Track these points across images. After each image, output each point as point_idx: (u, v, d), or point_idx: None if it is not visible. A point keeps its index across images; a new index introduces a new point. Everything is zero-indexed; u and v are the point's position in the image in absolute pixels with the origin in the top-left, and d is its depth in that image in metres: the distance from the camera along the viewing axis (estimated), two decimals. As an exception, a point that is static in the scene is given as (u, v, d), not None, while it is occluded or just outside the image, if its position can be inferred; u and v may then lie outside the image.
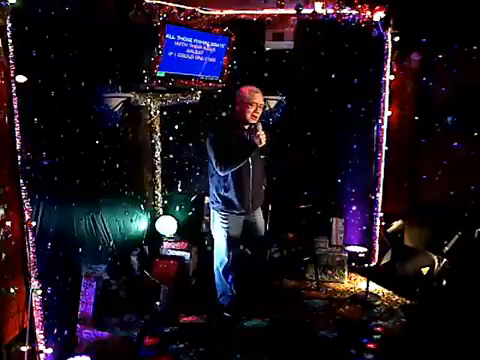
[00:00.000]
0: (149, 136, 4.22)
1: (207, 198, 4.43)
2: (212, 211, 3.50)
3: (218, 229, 3.44)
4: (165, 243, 4.11)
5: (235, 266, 3.49)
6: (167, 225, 4.17)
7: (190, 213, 4.52)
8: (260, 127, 3.15)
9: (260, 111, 3.26)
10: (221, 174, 3.24)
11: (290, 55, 4.28)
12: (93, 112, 3.43)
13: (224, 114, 4.24)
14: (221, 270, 3.50)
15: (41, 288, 2.61)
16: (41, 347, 2.64)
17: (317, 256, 4.21)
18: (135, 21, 3.53)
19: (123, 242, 3.87)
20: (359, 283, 4.25)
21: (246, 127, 3.29)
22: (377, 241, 4.38)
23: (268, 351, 3.09)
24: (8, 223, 2.45)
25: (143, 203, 4.20)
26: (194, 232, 4.38)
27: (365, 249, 4.42)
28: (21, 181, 2.51)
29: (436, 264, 3.90)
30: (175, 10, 3.70)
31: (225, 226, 3.39)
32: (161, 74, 3.73)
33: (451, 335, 3.16)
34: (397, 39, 4.08)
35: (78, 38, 3.03)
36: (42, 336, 2.64)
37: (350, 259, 4.36)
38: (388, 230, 4.39)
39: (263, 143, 3.14)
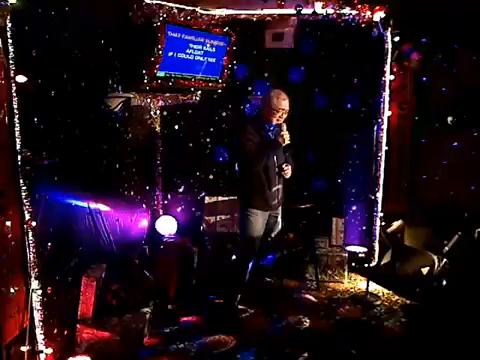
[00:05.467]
0: (149, 136, 4.22)
1: (207, 198, 4.46)
2: (241, 209, 3.52)
3: (246, 226, 3.43)
4: (165, 243, 4.11)
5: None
6: (167, 225, 4.18)
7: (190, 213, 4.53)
8: (285, 127, 3.31)
9: (285, 116, 3.36)
10: (248, 171, 3.33)
11: (290, 55, 4.28)
12: (93, 112, 3.43)
13: (224, 114, 4.25)
14: (241, 264, 3.53)
15: (41, 288, 2.61)
16: (41, 347, 2.63)
17: (317, 256, 4.21)
18: (135, 21, 3.53)
19: (123, 242, 3.87)
20: (359, 283, 4.25)
21: (271, 128, 3.38)
22: (377, 241, 4.38)
23: (268, 351, 3.09)
24: (8, 223, 2.45)
25: (143, 203, 4.20)
26: (194, 232, 4.38)
27: (365, 249, 4.42)
28: (21, 181, 2.51)
29: (436, 264, 3.90)
30: (175, 10, 3.70)
31: (253, 223, 3.40)
32: (161, 74, 3.74)
33: (451, 335, 3.16)
34: (397, 39, 4.08)
35: (78, 38, 3.04)
36: (42, 336, 2.63)
37: (350, 259, 4.36)
38: (388, 230, 4.39)
39: (287, 142, 3.29)
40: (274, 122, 3.33)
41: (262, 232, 3.45)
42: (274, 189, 3.40)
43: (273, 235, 3.58)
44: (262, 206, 3.40)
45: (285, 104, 3.32)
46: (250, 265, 3.55)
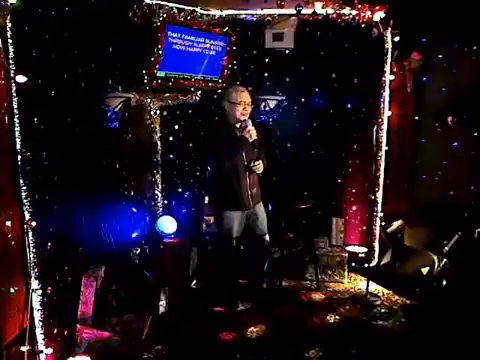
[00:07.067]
0: (149, 136, 4.22)
1: (207, 198, 4.46)
2: (214, 211, 3.56)
3: (221, 228, 3.48)
4: (165, 243, 4.11)
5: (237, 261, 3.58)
6: (167, 225, 4.17)
7: (190, 213, 4.53)
8: (250, 123, 3.31)
9: (249, 109, 3.38)
10: (218, 171, 3.37)
11: (290, 55, 4.28)
12: (93, 112, 3.43)
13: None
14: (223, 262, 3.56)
15: (41, 288, 2.61)
16: (41, 347, 2.64)
17: (317, 256, 4.21)
18: (135, 21, 3.53)
19: (123, 242, 3.87)
20: (359, 283, 4.25)
21: (238, 125, 3.40)
22: (377, 241, 4.38)
23: (268, 351, 3.10)
24: (8, 223, 2.45)
25: (143, 203, 4.20)
26: (194, 232, 4.38)
27: (365, 249, 4.42)
28: (21, 181, 2.51)
29: (436, 264, 3.90)
30: (175, 10, 3.70)
31: (228, 225, 3.42)
32: (161, 74, 3.73)
33: (451, 335, 3.16)
34: (397, 39, 4.08)
35: (78, 38, 3.04)
36: (42, 336, 2.64)
37: (350, 259, 4.36)
38: (388, 230, 4.39)
39: (254, 137, 3.29)
40: (239, 117, 3.33)
41: (239, 232, 3.47)
42: (245, 187, 3.39)
43: (258, 232, 3.59)
44: (235, 207, 3.41)
45: (245, 96, 3.34)
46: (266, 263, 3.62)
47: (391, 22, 4.00)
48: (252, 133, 3.27)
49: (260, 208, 3.61)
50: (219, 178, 3.40)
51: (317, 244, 4.31)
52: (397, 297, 3.93)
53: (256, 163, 3.37)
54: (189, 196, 4.56)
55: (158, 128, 4.22)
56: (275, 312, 3.62)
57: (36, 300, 2.60)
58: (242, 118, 3.34)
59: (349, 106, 4.35)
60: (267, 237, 3.66)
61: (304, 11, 3.84)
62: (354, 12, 3.91)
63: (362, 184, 4.48)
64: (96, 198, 3.52)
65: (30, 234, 2.56)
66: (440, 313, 3.45)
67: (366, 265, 4.17)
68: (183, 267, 4.00)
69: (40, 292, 2.60)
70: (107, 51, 3.39)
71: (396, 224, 4.40)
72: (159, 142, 4.23)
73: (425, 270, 3.93)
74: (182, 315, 3.54)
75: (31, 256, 2.57)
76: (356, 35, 4.01)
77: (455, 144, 4.06)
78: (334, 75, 4.29)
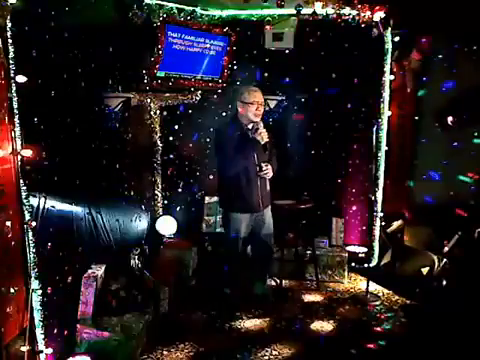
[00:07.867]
0: (149, 136, 4.22)
1: (207, 198, 4.47)
2: (222, 210, 3.56)
3: (228, 230, 3.47)
4: (165, 243, 4.11)
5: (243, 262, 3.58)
6: (167, 225, 4.17)
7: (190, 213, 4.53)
8: (261, 125, 3.30)
9: (261, 109, 3.36)
10: (228, 172, 3.32)
11: (290, 55, 4.28)
12: (93, 112, 3.43)
13: (224, 114, 4.24)
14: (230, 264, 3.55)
15: (41, 288, 2.61)
16: (41, 347, 2.63)
17: (317, 256, 4.21)
18: (135, 21, 3.53)
19: (123, 242, 3.87)
20: (359, 283, 4.26)
21: (249, 126, 3.38)
22: (377, 241, 4.38)
23: (268, 351, 3.09)
24: (8, 223, 2.44)
25: (143, 203, 4.21)
26: (194, 232, 4.38)
27: (365, 249, 4.42)
28: (21, 181, 2.51)
29: (436, 264, 3.90)
30: (175, 10, 3.70)
31: (235, 227, 3.41)
32: (161, 74, 3.74)
33: (451, 335, 3.16)
34: (397, 39, 4.08)
35: (78, 38, 3.04)
36: (42, 336, 2.63)
37: (350, 259, 4.36)
38: (388, 230, 4.39)
39: (265, 140, 3.27)
40: (252, 117, 3.31)
41: (246, 234, 3.46)
42: (256, 189, 3.37)
43: (263, 233, 3.57)
44: (244, 209, 3.39)
45: (258, 95, 3.33)
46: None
47: (391, 22, 4.00)
48: (263, 135, 3.25)
49: (268, 212, 3.58)
50: (229, 179, 3.36)
51: (317, 244, 4.31)
52: (397, 297, 3.94)
53: (265, 169, 3.34)
54: (189, 196, 4.56)
55: (158, 128, 4.22)
56: (275, 312, 3.62)
57: (36, 300, 2.60)
58: (255, 119, 3.32)
59: (349, 106, 4.35)
60: (271, 240, 3.64)
61: (304, 11, 3.84)
62: (354, 12, 3.92)
63: (362, 184, 4.49)
64: (96, 198, 3.52)
65: (30, 234, 2.55)
66: (440, 313, 3.45)
67: (366, 265, 4.17)
68: (183, 267, 4.00)
69: (40, 292, 2.60)
70: (107, 51, 3.40)
71: (396, 224, 4.40)
72: (159, 142, 4.23)
73: (425, 270, 3.94)
74: (182, 315, 3.54)
75: (31, 256, 2.57)
76: (356, 35, 4.01)
77: (455, 144, 4.06)
78: (334, 75, 4.29)
